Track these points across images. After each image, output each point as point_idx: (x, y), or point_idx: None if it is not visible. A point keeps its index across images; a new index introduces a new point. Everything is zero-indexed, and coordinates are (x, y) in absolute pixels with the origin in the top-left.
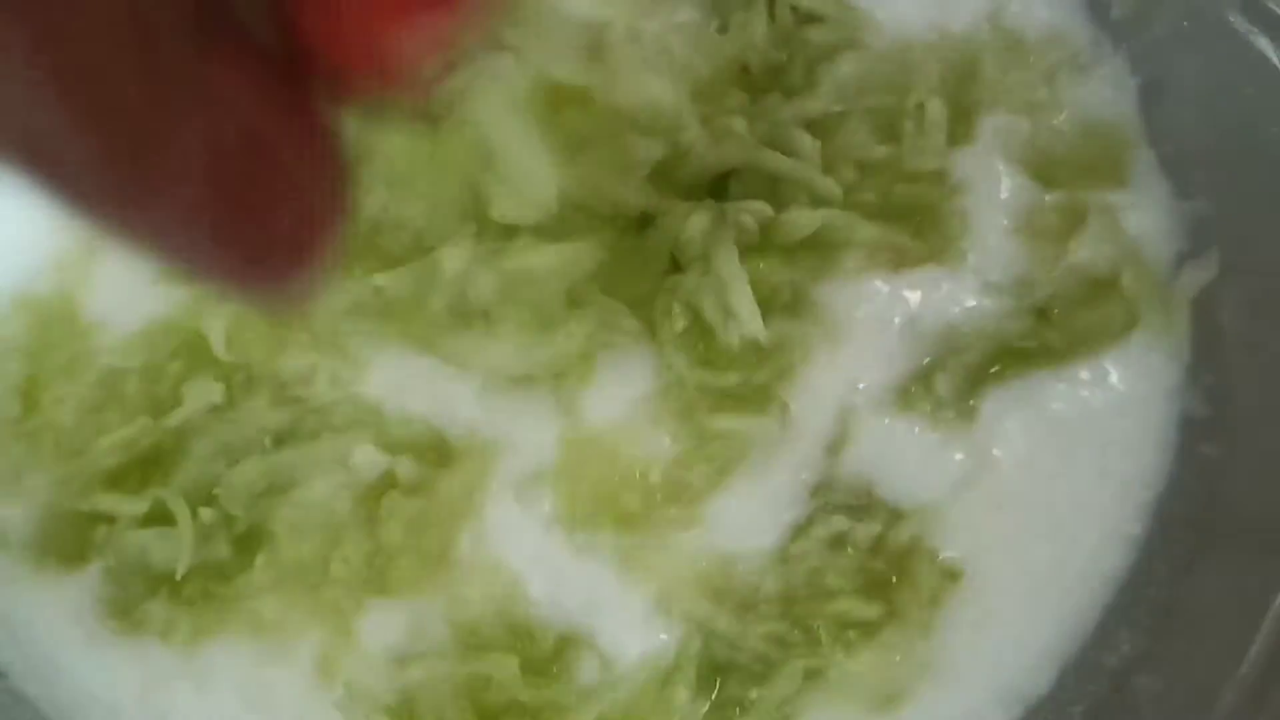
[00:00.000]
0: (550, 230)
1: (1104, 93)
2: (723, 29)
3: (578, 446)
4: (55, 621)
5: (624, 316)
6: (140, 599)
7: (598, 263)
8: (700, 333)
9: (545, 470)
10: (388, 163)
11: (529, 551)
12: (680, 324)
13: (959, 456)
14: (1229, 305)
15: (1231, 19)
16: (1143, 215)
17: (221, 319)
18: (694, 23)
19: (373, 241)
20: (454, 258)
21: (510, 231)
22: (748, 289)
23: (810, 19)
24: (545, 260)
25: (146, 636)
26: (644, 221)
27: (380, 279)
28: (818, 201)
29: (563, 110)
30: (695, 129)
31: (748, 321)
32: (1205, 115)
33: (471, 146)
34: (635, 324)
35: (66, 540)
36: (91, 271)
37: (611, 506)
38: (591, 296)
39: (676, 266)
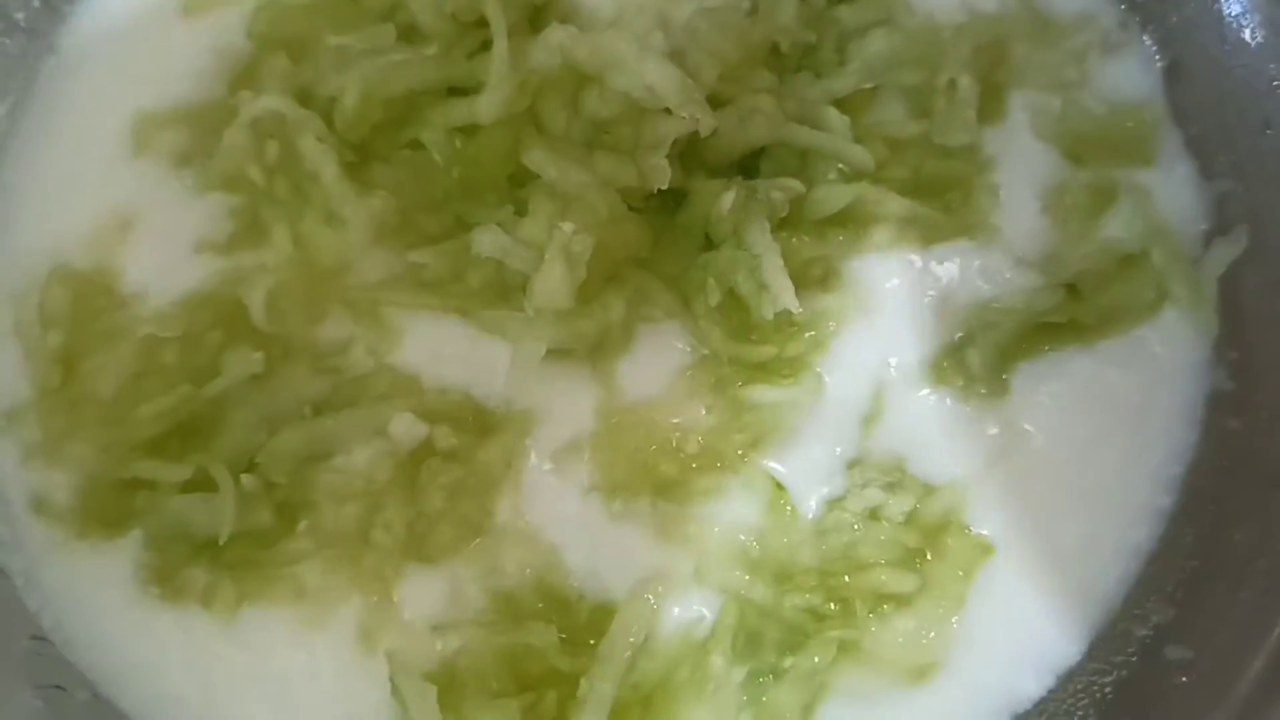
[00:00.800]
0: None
1: (1131, 73)
2: (753, 10)
3: (615, 416)
4: (98, 588)
5: (660, 291)
6: (182, 565)
7: (634, 239)
8: (734, 307)
9: (582, 439)
10: (433, 143)
11: (567, 519)
12: (715, 298)
13: (991, 431)
14: (1251, 283)
15: (1250, 3)
16: (1170, 193)
17: (261, 289)
18: (725, 6)
19: (412, 218)
20: (487, 238)
21: None
22: (780, 263)
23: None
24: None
25: (188, 602)
26: (677, 199)
27: (418, 255)
28: (848, 177)
29: (582, 92)
30: (704, 111)
31: (781, 295)
32: (1229, 97)
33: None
34: (671, 298)
35: (108, 507)
36: (128, 244)
37: (648, 474)
38: (628, 271)
39: (710, 243)
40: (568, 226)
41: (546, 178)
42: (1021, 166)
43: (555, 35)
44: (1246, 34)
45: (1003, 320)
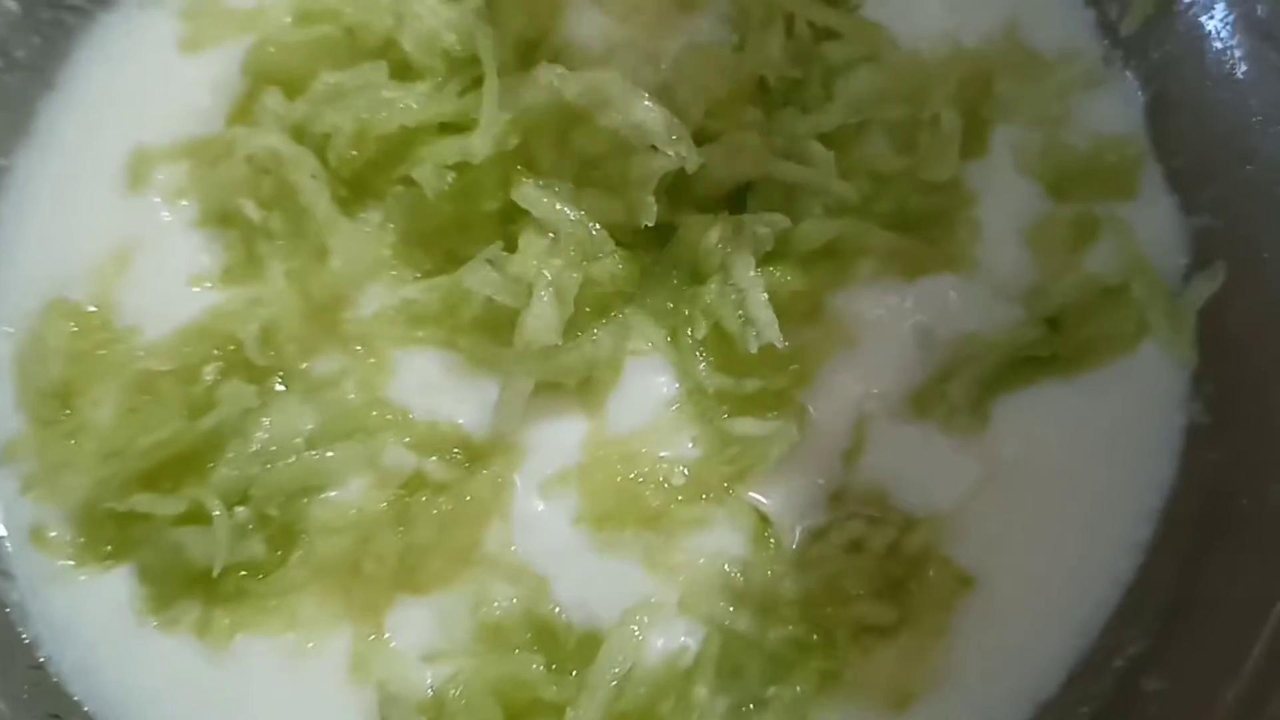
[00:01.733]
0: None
1: (1114, 108)
2: (740, 46)
3: (602, 448)
4: (94, 616)
5: (647, 325)
6: (177, 595)
7: (622, 274)
8: (720, 340)
9: (570, 471)
10: (425, 179)
11: (554, 550)
12: (701, 332)
13: (971, 463)
14: (1230, 317)
15: (1233, 38)
16: (1151, 227)
17: (255, 323)
18: (712, 42)
19: (404, 253)
20: (477, 274)
21: None
22: (765, 297)
23: (827, 35)
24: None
25: (183, 632)
26: (664, 234)
27: (409, 290)
28: (833, 211)
29: (572, 131)
30: (690, 149)
31: (766, 329)
32: (1211, 132)
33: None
34: (657, 332)
35: (104, 538)
36: (124, 277)
37: (635, 506)
38: (615, 306)
39: (697, 277)
40: (557, 263)
41: (536, 214)
42: (1004, 201)
43: (545, 74)
44: (1229, 69)
45: (984, 354)
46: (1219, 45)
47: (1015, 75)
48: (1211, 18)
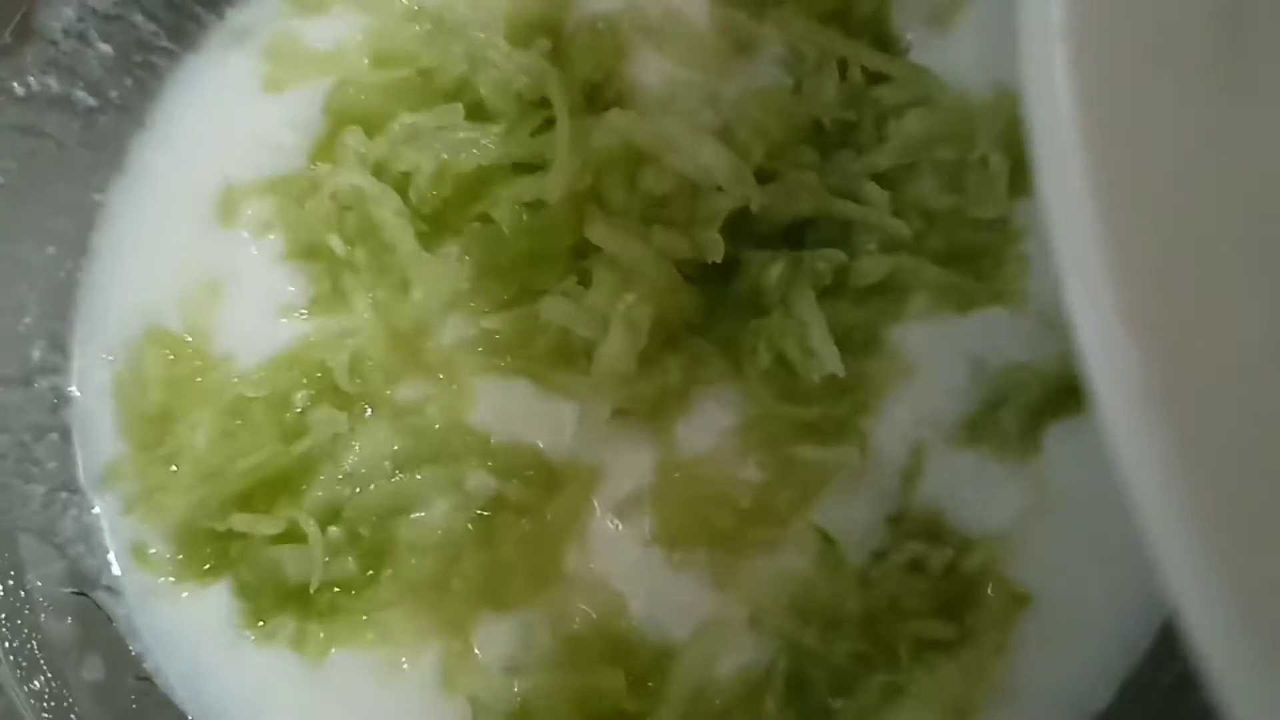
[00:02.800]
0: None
1: None
2: (797, 89)
3: (673, 471)
4: (196, 630)
5: (713, 355)
6: (273, 611)
7: (689, 307)
8: (783, 370)
9: (643, 493)
10: (501, 217)
11: (630, 568)
12: (765, 362)
13: (1024, 487)
14: None
15: None
16: None
17: (344, 352)
18: (770, 86)
19: (482, 286)
20: (555, 307)
21: None
22: (825, 330)
23: (879, 79)
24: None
25: (280, 645)
26: (728, 269)
27: (489, 320)
28: (887, 247)
29: (640, 171)
30: (753, 189)
31: (827, 360)
32: None
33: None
34: (724, 362)
35: (203, 556)
36: (217, 308)
37: (705, 527)
38: (684, 337)
39: (760, 310)
40: (630, 297)
41: (608, 250)
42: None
43: (618, 120)
44: None
45: (1033, 382)
46: None
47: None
48: None
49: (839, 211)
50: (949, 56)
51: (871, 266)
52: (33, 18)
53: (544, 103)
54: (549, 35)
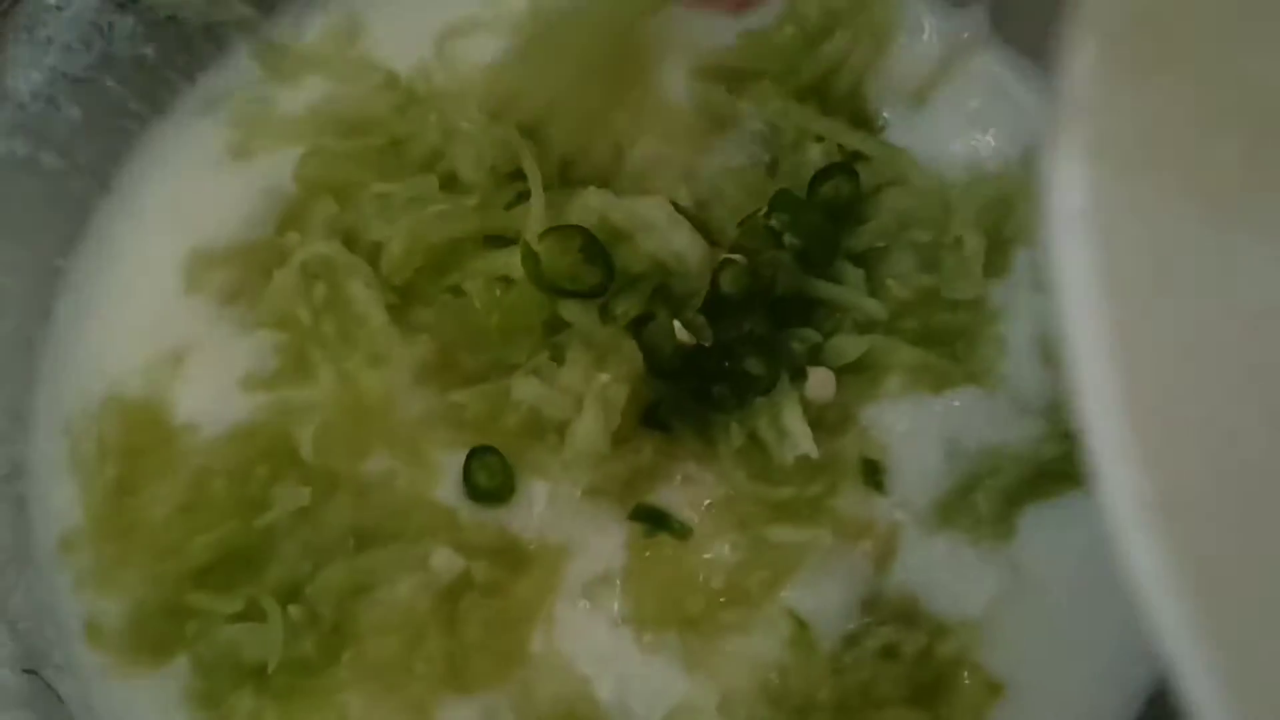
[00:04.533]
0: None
1: None
2: (773, 167)
3: (645, 551)
4: (150, 711)
5: (686, 434)
6: (229, 691)
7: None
8: (756, 450)
9: (614, 573)
10: (474, 290)
11: (597, 650)
12: (737, 441)
13: (999, 572)
14: None
15: None
16: None
17: (310, 425)
18: (746, 165)
19: (452, 360)
20: (527, 386)
21: None
22: (799, 410)
23: (856, 158)
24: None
25: None
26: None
27: (458, 395)
28: (863, 328)
29: (617, 247)
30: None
31: (800, 441)
32: None
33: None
34: (697, 442)
35: (158, 634)
36: (179, 377)
37: (677, 608)
38: (657, 416)
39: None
40: (604, 377)
41: (581, 327)
42: (1025, 318)
43: (593, 199)
44: None
45: (1009, 466)
46: None
47: (1035, 198)
48: None
49: (814, 291)
50: (926, 135)
51: (847, 346)
52: (1, 80)
53: (518, 176)
54: (523, 108)
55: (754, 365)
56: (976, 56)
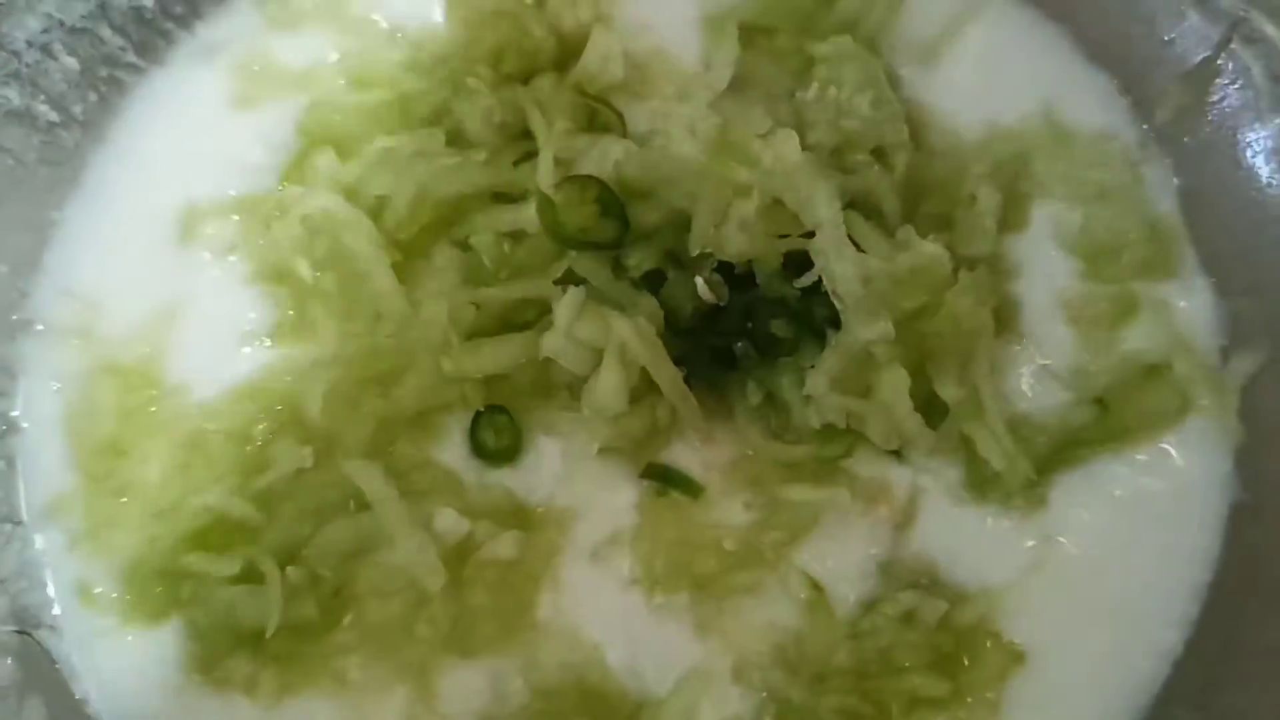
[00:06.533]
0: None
1: (1152, 189)
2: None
3: (656, 511)
4: (142, 674)
5: (702, 391)
6: (226, 654)
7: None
8: (773, 408)
9: (623, 533)
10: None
11: (607, 615)
12: (755, 399)
13: (1027, 542)
14: (1265, 399)
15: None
16: (1188, 308)
17: (319, 385)
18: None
19: (459, 317)
20: (552, 339)
21: None
22: (827, 378)
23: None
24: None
25: (232, 691)
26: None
27: (464, 354)
28: None
29: (629, 204)
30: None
31: (828, 409)
32: (1243, 217)
33: None
34: (712, 399)
35: (153, 596)
36: (174, 332)
37: (688, 569)
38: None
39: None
40: (624, 330)
41: (595, 283)
42: (1044, 274)
43: (611, 148)
44: (1260, 160)
45: (1037, 436)
46: (1251, 136)
47: (1052, 153)
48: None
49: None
50: (941, 91)
51: None
52: None
53: (526, 134)
54: (530, 65)
55: (779, 327)
56: (991, 11)
